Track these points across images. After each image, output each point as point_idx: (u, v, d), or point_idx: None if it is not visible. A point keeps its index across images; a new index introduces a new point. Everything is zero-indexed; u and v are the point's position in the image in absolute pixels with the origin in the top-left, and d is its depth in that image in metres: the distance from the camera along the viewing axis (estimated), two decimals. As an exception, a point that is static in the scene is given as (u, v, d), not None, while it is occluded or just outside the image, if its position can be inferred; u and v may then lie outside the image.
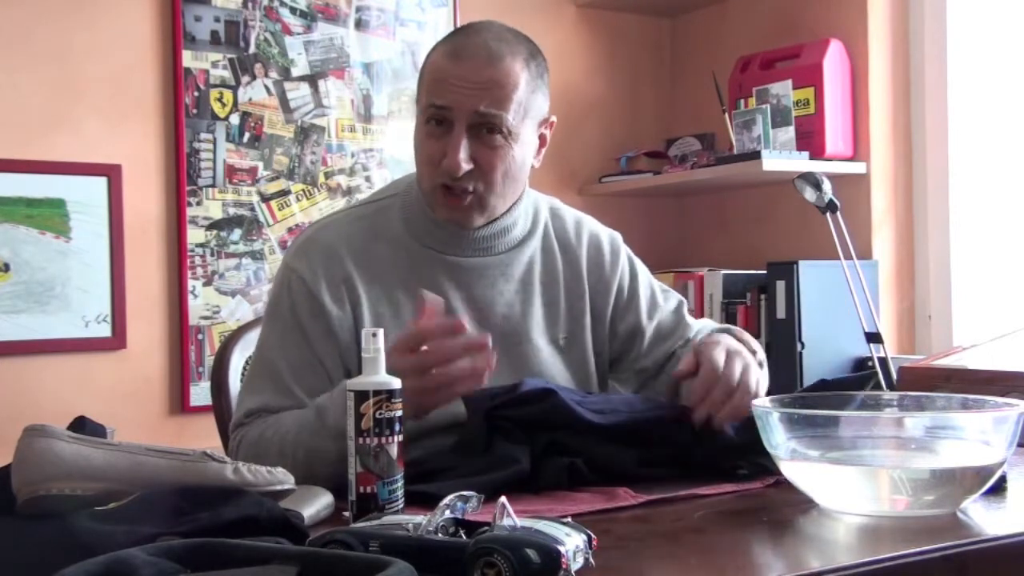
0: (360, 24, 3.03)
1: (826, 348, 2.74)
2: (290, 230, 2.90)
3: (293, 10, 2.93)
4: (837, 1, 3.04)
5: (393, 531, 0.94)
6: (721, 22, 3.40)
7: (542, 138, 1.60)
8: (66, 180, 2.64)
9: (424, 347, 1.32)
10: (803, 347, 2.73)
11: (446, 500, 0.96)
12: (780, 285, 2.79)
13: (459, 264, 1.59)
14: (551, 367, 1.62)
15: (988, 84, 2.91)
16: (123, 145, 2.72)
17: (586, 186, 3.36)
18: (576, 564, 0.90)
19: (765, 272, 2.87)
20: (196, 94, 2.80)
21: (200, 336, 2.80)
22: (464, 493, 0.98)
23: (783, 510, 1.18)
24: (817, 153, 2.91)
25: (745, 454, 1.32)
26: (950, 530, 1.07)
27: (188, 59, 2.79)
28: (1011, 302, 2.84)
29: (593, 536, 0.94)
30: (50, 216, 2.63)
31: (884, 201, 3.00)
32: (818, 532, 1.12)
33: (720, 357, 1.41)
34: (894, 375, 2.09)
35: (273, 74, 2.91)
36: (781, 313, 2.77)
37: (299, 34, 2.94)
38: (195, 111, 2.80)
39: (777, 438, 1.18)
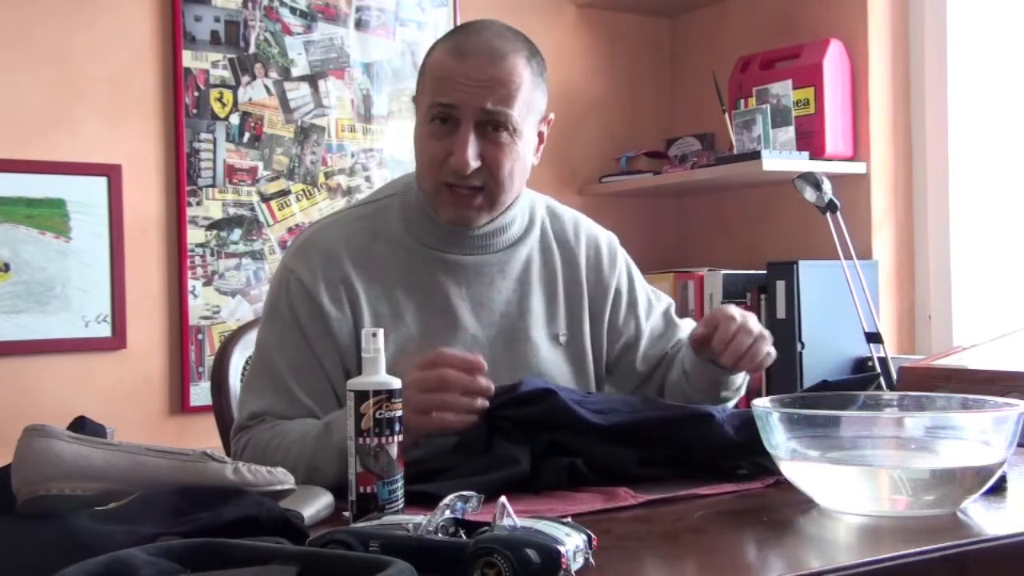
0: (360, 24, 3.03)
1: (826, 348, 2.73)
2: (290, 230, 2.90)
3: (293, 10, 2.93)
4: (837, 1, 3.04)
5: (393, 531, 0.94)
6: (721, 22, 3.40)
7: (540, 135, 1.61)
8: (66, 180, 2.64)
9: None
10: (803, 347, 2.73)
11: (446, 500, 0.96)
12: (780, 285, 2.79)
13: (458, 262, 1.59)
14: (550, 364, 1.63)
15: (988, 84, 2.91)
16: (123, 145, 2.72)
17: (586, 186, 3.36)
18: (576, 564, 0.90)
19: (765, 272, 2.87)
20: (196, 94, 2.80)
21: (200, 336, 2.80)
22: (464, 493, 0.98)
23: (783, 510, 1.18)
24: (817, 153, 2.91)
25: (745, 454, 1.32)
26: (950, 530, 1.07)
27: (188, 59, 2.79)
28: (1011, 302, 2.84)
29: (593, 536, 0.94)
30: (50, 216, 2.63)
31: (884, 201, 3.00)
32: (818, 532, 1.12)
33: (736, 313, 1.54)
34: (894, 375, 2.09)
35: (273, 74, 2.91)
36: (781, 313, 2.77)
37: (299, 34, 2.94)
38: (195, 111, 2.80)
39: (777, 438, 1.18)
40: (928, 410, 1.32)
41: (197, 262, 2.80)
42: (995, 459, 1.13)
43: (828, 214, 2.41)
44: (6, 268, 2.57)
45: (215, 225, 2.82)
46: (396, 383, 1.14)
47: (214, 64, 2.82)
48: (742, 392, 1.70)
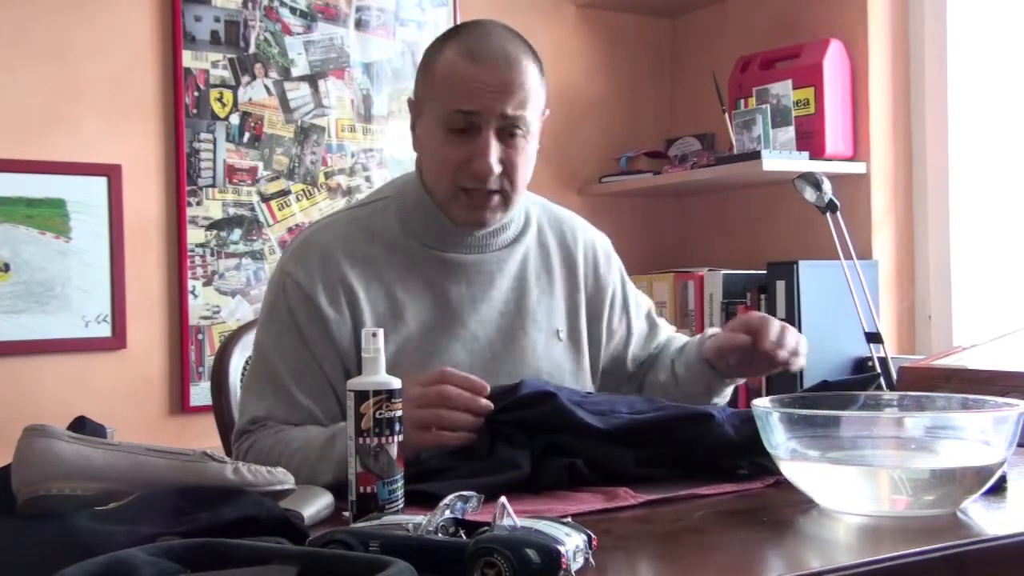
0: (360, 24, 3.03)
1: (826, 348, 2.73)
2: (290, 230, 2.90)
3: (293, 10, 2.93)
4: (837, 1, 3.04)
5: (393, 531, 0.94)
6: (721, 22, 3.40)
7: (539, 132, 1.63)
8: (66, 180, 2.64)
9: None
10: (803, 347, 2.73)
11: (446, 500, 0.96)
12: (780, 285, 2.79)
13: (457, 261, 1.60)
14: (549, 359, 1.64)
15: (988, 84, 2.91)
16: (123, 145, 2.72)
17: (586, 186, 3.36)
18: (576, 564, 0.90)
19: (765, 272, 2.87)
20: (196, 94, 2.80)
21: (200, 336, 2.80)
22: (464, 493, 0.98)
23: (783, 510, 1.18)
24: (817, 153, 2.91)
25: (745, 454, 1.32)
26: (950, 530, 1.07)
27: (188, 59, 2.79)
28: (1011, 302, 2.84)
29: (593, 536, 0.94)
30: (50, 216, 2.63)
31: (884, 201, 3.00)
32: (818, 532, 1.12)
33: (769, 317, 1.57)
34: (894, 375, 2.09)
35: (273, 74, 2.91)
36: (781, 313, 2.77)
37: (299, 34, 2.94)
38: (195, 111, 2.80)
39: (777, 438, 1.18)
40: (928, 410, 1.32)
41: (197, 262, 2.80)
42: (995, 459, 1.13)
43: (828, 214, 2.41)
44: (6, 268, 2.57)
45: (215, 225, 2.82)
46: (396, 383, 1.14)
47: (214, 64, 2.82)
48: (726, 399, 1.71)
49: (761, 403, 1.21)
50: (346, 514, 1.14)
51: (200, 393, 2.75)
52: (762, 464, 1.29)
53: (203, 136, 2.81)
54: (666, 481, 1.29)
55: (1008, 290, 2.86)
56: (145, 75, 2.76)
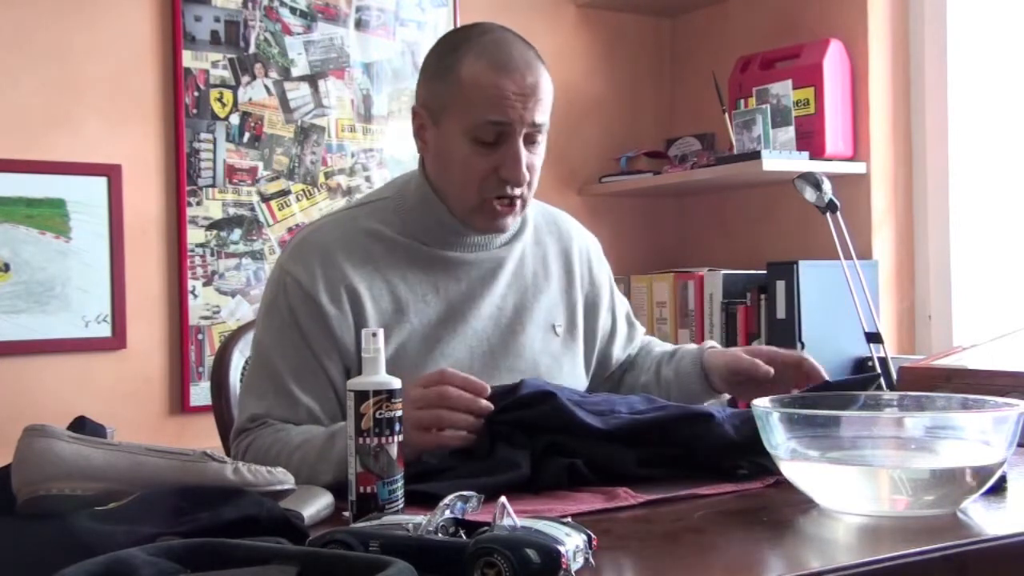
0: (360, 24, 3.03)
1: (826, 348, 2.73)
2: (290, 230, 2.90)
3: (293, 10, 2.93)
4: (837, 1, 3.04)
5: (393, 531, 0.94)
6: (721, 22, 3.40)
7: None
8: (66, 180, 2.64)
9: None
10: (803, 347, 2.73)
11: (446, 500, 0.96)
12: (780, 285, 2.79)
13: (458, 259, 1.62)
14: (547, 354, 1.66)
15: (988, 84, 2.91)
16: (123, 145, 2.72)
17: (586, 186, 3.36)
18: (576, 564, 0.90)
19: (765, 272, 2.87)
20: (196, 94, 2.80)
21: (200, 336, 2.80)
22: (464, 493, 0.98)
23: (783, 510, 1.18)
24: (817, 153, 2.91)
25: (745, 454, 1.32)
26: (950, 530, 1.07)
27: (188, 59, 2.79)
28: (1011, 302, 2.84)
29: (593, 536, 0.94)
30: (50, 216, 2.63)
31: (884, 201, 3.00)
32: (818, 532, 1.12)
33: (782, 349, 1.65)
34: (894, 375, 2.09)
35: (273, 74, 2.91)
36: (781, 313, 2.77)
37: (299, 34, 2.94)
38: (195, 111, 2.80)
39: (777, 438, 1.18)
40: (928, 410, 1.32)
41: (197, 262, 2.80)
42: (995, 459, 1.13)
43: (828, 214, 2.40)
44: (6, 268, 2.57)
45: (215, 225, 2.82)
46: (396, 383, 1.14)
47: (214, 64, 2.82)
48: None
49: (761, 403, 1.21)
50: (346, 514, 1.14)
51: (200, 393, 2.75)
52: (762, 464, 1.29)
53: (203, 136, 2.81)
54: (666, 481, 1.29)
55: (1008, 290, 2.86)
56: (145, 75, 2.76)
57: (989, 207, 2.91)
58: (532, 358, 1.64)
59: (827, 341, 2.74)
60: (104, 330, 2.68)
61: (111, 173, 2.70)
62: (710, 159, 3.10)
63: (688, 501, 1.22)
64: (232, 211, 2.84)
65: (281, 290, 1.56)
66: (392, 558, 0.84)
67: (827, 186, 2.40)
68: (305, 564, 0.85)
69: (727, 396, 1.75)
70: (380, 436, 1.12)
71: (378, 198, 1.66)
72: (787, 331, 2.75)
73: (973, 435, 1.17)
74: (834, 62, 2.94)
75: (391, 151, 3.06)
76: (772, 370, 1.58)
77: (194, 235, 2.79)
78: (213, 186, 2.82)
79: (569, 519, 0.96)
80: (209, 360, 2.74)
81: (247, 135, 2.86)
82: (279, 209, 2.91)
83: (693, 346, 1.78)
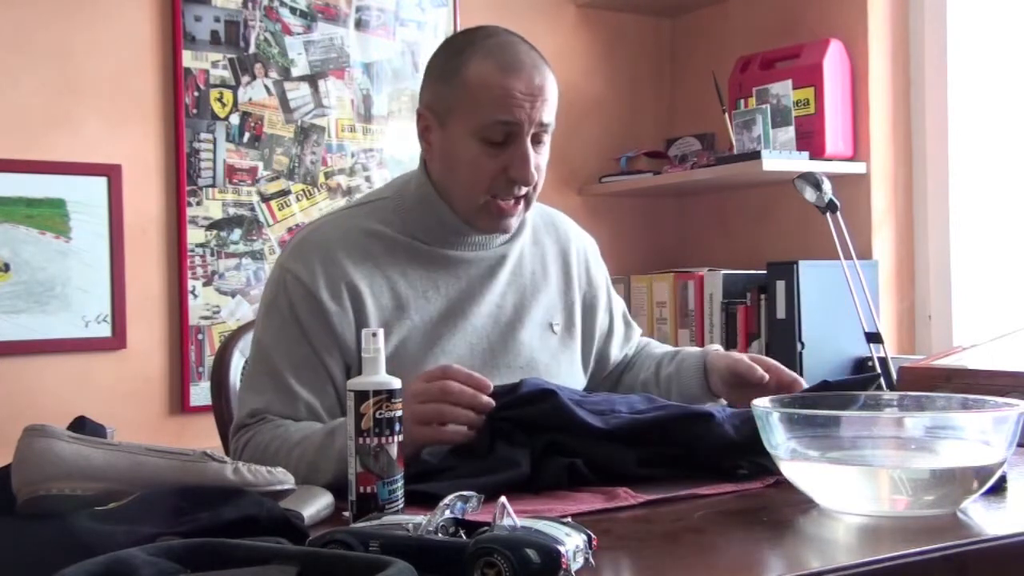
0: (360, 24, 3.03)
1: (826, 348, 2.73)
2: (290, 230, 2.90)
3: (293, 10, 2.93)
4: (837, 1, 3.04)
5: (393, 531, 0.94)
6: (721, 22, 3.40)
7: None
8: (66, 180, 2.64)
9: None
10: (803, 347, 2.73)
11: (446, 500, 0.96)
12: (780, 285, 2.78)
13: (458, 257, 1.63)
14: (545, 351, 1.67)
15: (988, 84, 2.91)
16: (123, 145, 2.72)
17: (586, 186, 3.36)
18: (576, 564, 0.90)
19: (765, 272, 2.87)
20: (196, 94, 2.80)
21: (200, 336, 2.80)
22: (464, 493, 0.98)
23: (783, 510, 1.18)
24: (817, 153, 2.91)
25: (745, 454, 1.32)
26: (950, 530, 1.07)
27: (188, 59, 2.79)
28: (1011, 302, 2.84)
29: (593, 536, 0.94)
30: (50, 216, 2.63)
31: (884, 201, 3.00)
32: (818, 532, 1.12)
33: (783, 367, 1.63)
34: (894, 375, 2.09)
35: (273, 74, 2.91)
36: (781, 313, 2.77)
37: (299, 34, 2.94)
38: (195, 111, 2.80)
39: (777, 438, 1.18)
40: (928, 410, 1.32)
41: (197, 262, 2.80)
42: (995, 459, 1.13)
43: (828, 214, 2.40)
44: (6, 268, 2.57)
45: (215, 225, 2.82)
46: (396, 383, 1.14)
47: (214, 64, 2.82)
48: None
49: (761, 403, 1.21)
50: (346, 514, 1.14)
51: (200, 393, 2.75)
52: (762, 464, 1.29)
53: (203, 136, 2.81)
54: (666, 481, 1.29)
55: (1008, 290, 2.86)
56: (145, 75, 2.76)
57: (989, 207, 2.91)
58: (531, 356, 1.65)
59: (827, 341, 2.74)
60: (104, 330, 2.68)
61: (111, 173, 2.70)
62: (710, 159, 3.10)
63: (688, 501, 1.22)
64: (232, 211, 2.84)
65: (281, 288, 1.56)
66: (392, 558, 0.84)
67: (827, 186, 2.40)
68: (305, 564, 0.85)
69: (724, 401, 1.76)
70: (380, 436, 1.12)
71: (377, 198, 1.67)
72: (787, 331, 2.75)
73: (973, 435, 1.17)
74: (834, 62, 2.94)
75: (391, 151, 3.06)
76: (767, 376, 1.58)
77: (194, 235, 2.79)
78: (213, 186, 2.82)
79: (569, 519, 0.96)
80: (209, 360, 2.74)
81: (247, 135, 2.86)
82: (279, 209, 2.91)
83: (697, 348, 1.79)
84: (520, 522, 0.92)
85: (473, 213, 1.58)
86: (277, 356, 1.53)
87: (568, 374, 1.68)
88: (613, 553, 0.99)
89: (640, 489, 1.24)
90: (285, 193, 2.92)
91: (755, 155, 2.85)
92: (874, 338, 2.41)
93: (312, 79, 2.96)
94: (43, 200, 2.62)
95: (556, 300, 1.72)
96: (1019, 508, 1.23)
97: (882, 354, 2.39)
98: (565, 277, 1.74)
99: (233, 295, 2.84)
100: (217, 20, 2.82)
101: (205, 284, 2.81)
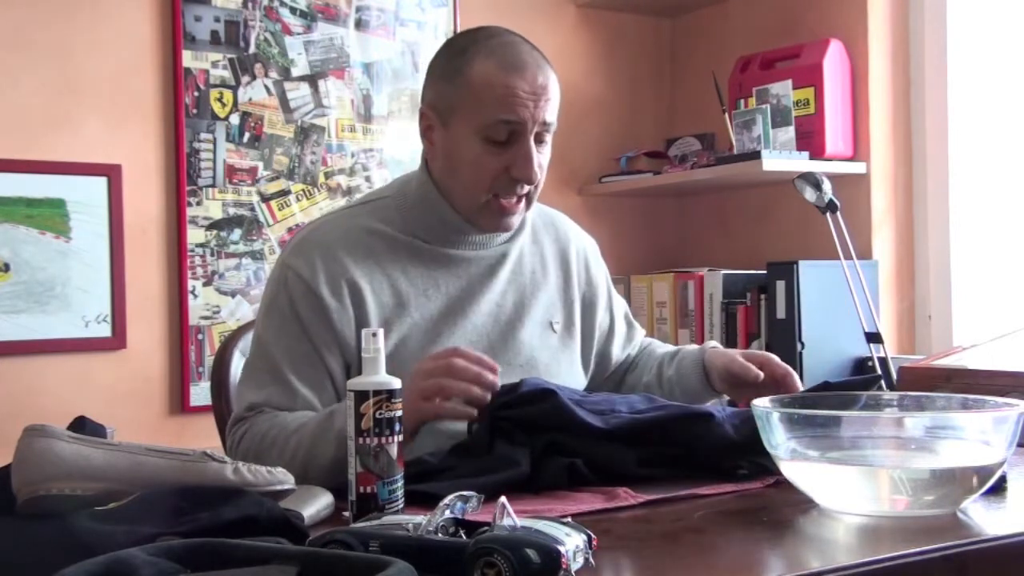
0: (360, 24, 3.03)
1: (826, 348, 2.73)
2: (290, 230, 2.90)
3: (293, 10, 2.93)
4: (837, 1, 3.04)
5: (393, 531, 0.94)
6: (721, 22, 3.40)
7: None
8: (66, 180, 2.64)
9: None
10: (803, 347, 2.73)
11: (446, 500, 0.96)
12: (780, 285, 2.78)
13: (458, 256, 1.63)
14: (545, 350, 1.68)
15: (988, 84, 2.91)
16: (123, 145, 2.72)
17: (586, 186, 3.36)
18: (576, 564, 0.90)
19: (765, 272, 2.87)
20: (196, 94, 2.80)
21: (200, 336, 2.80)
22: (464, 493, 0.98)
23: (783, 510, 1.18)
24: (817, 153, 2.91)
25: (745, 454, 1.32)
26: (950, 530, 1.07)
27: (188, 59, 2.79)
28: (1011, 302, 2.84)
29: (593, 536, 0.94)
30: (50, 216, 2.63)
31: (884, 201, 3.00)
32: (818, 532, 1.12)
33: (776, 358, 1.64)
34: (894, 375, 2.09)
35: (273, 74, 2.91)
36: (781, 313, 2.77)
37: (299, 34, 2.94)
38: (195, 111, 2.80)
39: (777, 438, 1.18)
40: (928, 410, 1.32)
41: (197, 262, 2.80)
42: (995, 459, 1.13)
43: (828, 214, 2.41)
44: (6, 268, 2.57)
45: (215, 225, 2.82)
46: (396, 383, 1.14)
47: (214, 64, 2.82)
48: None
49: (761, 403, 1.21)
50: (346, 514, 1.14)
51: (200, 393, 2.75)
52: (762, 464, 1.29)
53: (203, 136, 2.81)
54: (666, 481, 1.29)
55: (1008, 290, 2.86)
56: (145, 75, 2.76)
57: (989, 207, 2.91)
58: (530, 354, 1.65)
59: (827, 341, 2.74)
60: (104, 330, 2.68)
61: (111, 173, 2.70)
62: (710, 159, 3.10)
63: (688, 501, 1.22)
64: (232, 211, 2.84)
65: (282, 285, 1.57)
66: (392, 558, 0.84)
67: (827, 186, 2.40)
68: (305, 564, 0.85)
69: (727, 397, 1.76)
70: (380, 436, 1.12)
71: (378, 197, 1.68)
72: (787, 331, 2.75)
73: (973, 435, 1.17)
74: (834, 62, 2.94)
75: (391, 151, 3.06)
76: (762, 374, 1.59)
77: (194, 235, 2.79)
78: (213, 186, 2.82)
79: (569, 519, 0.96)
80: (209, 360, 2.74)
81: (247, 135, 2.86)
82: (279, 209, 2.91)
83: (695, 346, 1.79)
84: (520, 522, 0.92)
85: (475, 212, 1.59)
86: (277, 352, 1.54)
87: (568, 373, 1.69)
88: (613, 553, 0.99)
89: (640, 489, 1.24)
90: (285, 193, 2.92)
91: (755, 155, 2.85)
92: (874, 338, 2.41)
93: (312, 79, 2.96)
94: (43, 200, 2.62)
95: (556, 299, 1.72)
96: (1019, 508, 1.23)
97: (882, 354, 2.39)
98: (565, 276, 1.74)
99: (233, 295, 2.84)
100: (217, 20, 2.82)
101: (205, 284, 2.81)
